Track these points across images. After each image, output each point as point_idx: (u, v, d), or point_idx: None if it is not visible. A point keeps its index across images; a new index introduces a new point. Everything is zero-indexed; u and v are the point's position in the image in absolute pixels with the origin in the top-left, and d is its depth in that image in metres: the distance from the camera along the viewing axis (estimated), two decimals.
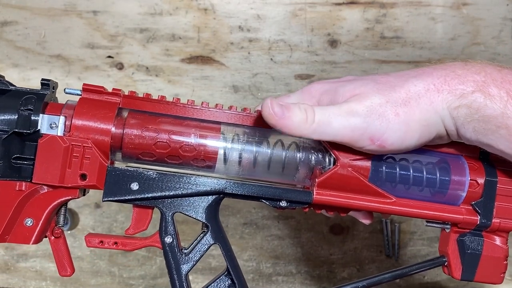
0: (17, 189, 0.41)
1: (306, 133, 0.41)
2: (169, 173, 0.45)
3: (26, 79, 0.88)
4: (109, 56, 0.91)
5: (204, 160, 0.45)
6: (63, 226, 0.45)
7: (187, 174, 0.45)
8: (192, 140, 0.45)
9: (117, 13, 0.91)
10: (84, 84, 0.44)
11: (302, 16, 0.93)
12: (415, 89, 0.42)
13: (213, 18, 0.92)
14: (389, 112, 0.41)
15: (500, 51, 0.95)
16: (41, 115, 0.42)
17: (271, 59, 0.94)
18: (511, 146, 0.41)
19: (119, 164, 0.46)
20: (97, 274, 0.98)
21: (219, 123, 0.47)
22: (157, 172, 0.44)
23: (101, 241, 0.45)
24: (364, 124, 0.40)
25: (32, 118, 0.41)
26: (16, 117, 0.41)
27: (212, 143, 0.45)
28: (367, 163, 0.45)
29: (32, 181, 0.41)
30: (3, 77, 0.43)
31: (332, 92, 0.44)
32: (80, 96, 0.44)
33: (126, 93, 0.45)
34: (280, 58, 0.94)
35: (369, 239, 0.92)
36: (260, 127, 0.48)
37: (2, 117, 0.41)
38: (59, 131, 0.42)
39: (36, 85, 0.93)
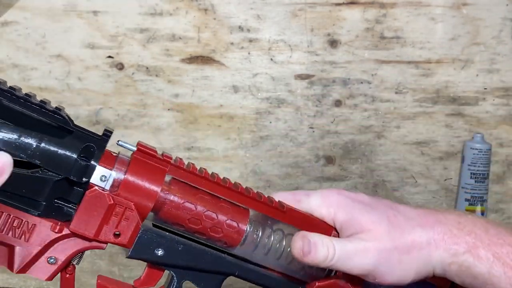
0: (53, 230, 0.42)
1: (326, 266, 0.48)
2: (194, 247, 0.47)
3: (27, 79, 0.89)
4: (109, 56, 0.92)
5: (226, 242, 0.48)
6: (77, 264, 0.45)
7: (208, 250, 0.48)
8: (223, 222, 0.47)
9: (117, 13, 0.91)
10: (139, 144, 0.45)
11: (302, 16, 0.93)
12: (419, 240, 0.48)
13: (213, 18, 0.92)
14: (394, 259, 0.47)
15: (500, 51, 0.95)
16: (97, 167, 0.42)
17: (271, 59, 0.94)
18: None
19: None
20: (97, 274, 0.98)
21: (247, 209, 0.49)
22: (183, 245, 0.46)
23: None
24: (373, 266, 0.47)
25: (89, 168, 0.42)
26: (72, 163, 0.41)
27: (240, 228, 0.48)
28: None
29: (69, 228, 0.42)
30: (62, 109, 0.42)
31: (348, 213, 0.49)
32: (133, 153, 0.44)
33: (175, 161, 0.46)
34: (280, 58, 0.94)
35: None
36: (285, 222, 0.51)
37: (59, 161, 0.41)
38: (108, 185, 0.42)
39: (36, 85, 0.94)
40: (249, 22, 0.93)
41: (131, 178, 0.43)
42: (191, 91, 0.94)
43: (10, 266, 0.42)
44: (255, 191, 0.50)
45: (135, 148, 0.44)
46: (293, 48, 0.94)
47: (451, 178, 0.99)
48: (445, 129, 0.97)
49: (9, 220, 0.41)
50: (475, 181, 0.96)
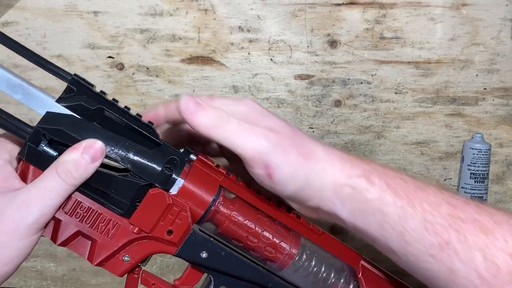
0: (133, 231, 0.46)
1: (214, 138, 0.45)
2: (235, 255, 0.50)
3: (27, 79, 0.88)
4: (110, 57, 0.92)
5: (275, 263, 0.50)
6: (144, 265, 0.49)
7: (247, 260, 0.50)
8: (277, 244, 0.50)
9: (118, 13, 0.91)
10: (200, 154, 0.48)
11: (302, 16, 0.93)
12: (318, 154, 0.46)
13: (213, 18, 0.92)
14: (292, 154, 0.45)
15: (500, 51, 0.95)
16: (178, 179, 0.46)
17: (271, 59, 0.94)
18: (382, 232, 0.47)
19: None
20: (97, 274, 0.98)
21: (299, 235, 0.52)
22: (225, 252, 0.49)
23: (154, 284, 0.49)
24: (268, 149, 0.44)
25: (171, 178, 0.46)
26: (159, 172, 0.45)
27: (291, 252, 0.50)
28: None
29: (129, 221, 0.45)
30: (153, 123, 0.47)
31: (259, 115, 0.47)
32: (194, 162, 0.48)
33: (228, 173, 0.49)
34: (280, 59, 0.94)
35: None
36: (330, 253, 0.53)
37: (148, 169, 0.45)
38: (174, 190, 0.46)
39: (36, 85, 0.94)
40: (249, 22, 0.93)
41: (189, 184, 0.46)
42: (191, 91, 0.94)
43: (90, 258, 0.46)
44: (298, 215, 0.52)
45: (194, 157, 0.48)
46: (293, 48, 0.94)
47: (451, 178, 0.99)
48: (444, 129, 0.98)
49: (97, 217, 0.45)
50: (475, 181, 0.96)
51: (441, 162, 0.99)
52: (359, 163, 0.48)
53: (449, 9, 0.94)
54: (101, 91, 0.46)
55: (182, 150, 0.48)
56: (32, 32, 0.89)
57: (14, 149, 0.45)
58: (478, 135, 0.96)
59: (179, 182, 0.46)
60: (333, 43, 0.94)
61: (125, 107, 0.46)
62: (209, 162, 0.49)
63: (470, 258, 0.44)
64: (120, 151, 0.44)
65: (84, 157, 0.42)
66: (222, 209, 0.48)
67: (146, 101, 0.94)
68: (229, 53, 0.93)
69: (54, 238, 0.45)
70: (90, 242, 0.46)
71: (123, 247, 0.46)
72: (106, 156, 0.44)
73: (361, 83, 0.95)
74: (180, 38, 0.93)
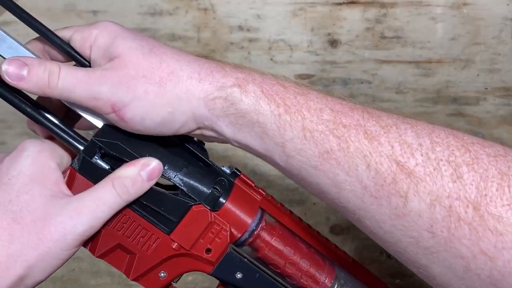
0: (173, 247, 0.45)
1: (50, 95, 0.41)
2: (267, 278, 0.49)
3: None
4: None
5: None
6: (175, 282, 0.49)
7: (277, 283, 0.49)
8: (314, 274, 0.49)
9: (117, 13, 0.91)
10: (242, 174, 0.49)
11: (302, 16, 0.93)
12: (179, 73, 0.41)
13: (213, 18, 0.92)
14: (139, 87, 0.40)
15: (501, 51, 0.95)
16: (226, 203, 0.46)
17: (271, 59, 0.94)
18: (264, 146, 0.43)
19: None
20: (97, 275, 0.98)
21: (334, 265, 0.51)
22: (259, 274, 0.48)
23: None
24: (109, 93, 0.40)
25: (219, 200, 0.46)
26: (208, 193, 0.45)
27: (325, 284, 0.49)
28: None
29: (170, 236, 0.45)
30: (204, 143, 0.47)
31: (110, 39, 0.42)
32: (235, 181, 0.48)
33: (267, 195, 0.49)
34: (280, 58, 0.94)
35: (370, 239, 0.92)
36: (361, 282, 0.53)
37: (198, 189, 0.45)
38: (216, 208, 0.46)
39: None
40: (249, 22, 0.93)
41: (231, 204, 0.46)
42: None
43: (127, 272, 0.45)
44: (329, 240, 0.52)
45: (228, 170, 0.48)
46: (293, 48, 0.94)
47: None
48: None
49: (138, 230, 0.44)
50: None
51: None
52: (233, 71, 0.43)
53: (450, 8, 0.93)
54: None
55: (229, 172, 0.48)
56: (32, 32, 0.88)
57: (63, 155, 0.44)
58: (480, 135, 0.95)
59: (222, 201, 0.46)
60: (333, 43, 0.94)
61: None
62: (250, 182, 0.49)
63: (353, 167, 0.39)
64: (173, 170, 0.45)
65: (141, 174, 0.42)
66: (263, 234, 0.48)
67: None
68: (229, 53, 0.93)
69: (92, 249, 0.44)
70: (128, 256, 0.45)
71: (161, 263, 0.45)
72: (161, 175, 0.44)
73: (362, 82, 0.95)
74: (180, 38, 0.92)
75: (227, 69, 0.44)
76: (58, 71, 0.40)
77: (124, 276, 0.46)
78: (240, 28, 0.93)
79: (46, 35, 0.47)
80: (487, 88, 0.97)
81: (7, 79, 0.40)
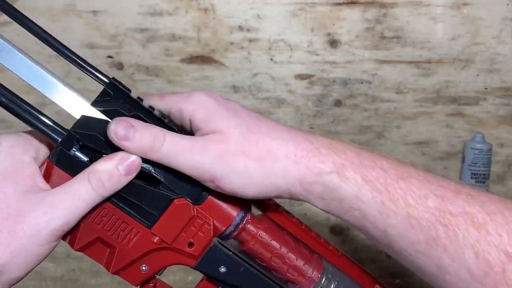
0: (154, 241, 0.44)
1: (153, 159, 0.43)
2: (252, 271, 0.48)
3: None
4: (109, 56, 0.91)
5: (296, 285, 0.49)
6: (159, 275, 0.48)
7: (262, 276, 0.49)
8: (300, 267, 0.49)
9: (117, 13, 0.91)
10: None
11: (302, 16, 0.93)
12: (276, 152, 0.43)
13: (213, 18, 0.92)
14: (239, 162, 0.42)
15: (500, 51, 0.95)
16: (209, 196, 0.45)
17: (271, 59, 0.94)
18: (363, 226, 0.44)
19: None
20: (97, 274, 0.98)
21: (321, 259, 0.51)
22: (244, 268, 0.48)
23: None
24: (209, 165, 0.42)
25: (202, 193, 0.45)
26: (191, 186, 0.44)
27: (313, 276, 0.49)
28: None
29: (151, 230, 0.44)
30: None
31: (208, 114, 0.44)
32: None
33: None
34: (280, 58, 0.94)
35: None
36: (349, 276, 0.52)
37: (180, 182, 0.44)
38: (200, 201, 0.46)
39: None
40: (249, 22, 0.92)
41: (216, 197, 0.45)
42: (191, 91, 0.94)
43: (107, 265, 0.44)
44: (318, 235, 0.51)
45: None
46: (293, 48, 0.94)
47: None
48: (445, 129, 0.97)
49: (118, 223, 0.43)
50: (476, 181, 0.96)
51: (442, 162, 0.98)
52: (329, 155, 0.43)
53: (450, 8, 0.93)
54: (138, 97, 0.45)
55: None
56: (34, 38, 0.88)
57: (40, 147, 0.43)
58: (479, 135, 0.95)
59: (205, 194, 0.45)
60: (333, 43, 0.94)
61: (161, 115, 0.45)
62: None
63: (460, 254, 0.40)
64: (154, 162, 0.43)
65: (119, 168, 0.41)
66: (249, 227, 0.47)
67: None
68: (229, 53, 0.93)
69: (71, 242, 0.43)
70: (108, 249, 0.44)
71: (142, 256, 0.45)
72: (141, 167, 0.43)
73: (362, 82, 0.95)
74: (180, 38, 0.92)
75: (322, 151, 0.43)
76: (163, 136, 0.42)
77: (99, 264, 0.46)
78: (240, 28, 0.93)
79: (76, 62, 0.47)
80: (487, 88, 0.97)
81: (114, 138, 0.41)
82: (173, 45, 0.92)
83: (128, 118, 0.43)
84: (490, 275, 0.39)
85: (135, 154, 0.42)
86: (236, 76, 0.94)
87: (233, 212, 0.46)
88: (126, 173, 0.42)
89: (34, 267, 0.41)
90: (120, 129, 0.41)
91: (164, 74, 0.93)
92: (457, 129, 0.97)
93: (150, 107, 0.45)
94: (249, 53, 0.93)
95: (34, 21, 0.46)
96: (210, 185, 0.43)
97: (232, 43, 0.93)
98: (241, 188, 0.43)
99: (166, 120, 0.45)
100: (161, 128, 0.43)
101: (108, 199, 0.43)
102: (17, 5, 0.44)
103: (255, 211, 0.48)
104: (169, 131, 0.43)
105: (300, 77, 0.95)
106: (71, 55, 0.47)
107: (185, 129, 0.45)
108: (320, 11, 0.93)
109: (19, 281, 0.41)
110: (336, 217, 0.45)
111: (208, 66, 0.93)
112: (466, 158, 0.96)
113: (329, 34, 0.93)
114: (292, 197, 0.45)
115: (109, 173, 0.41)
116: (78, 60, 0.47)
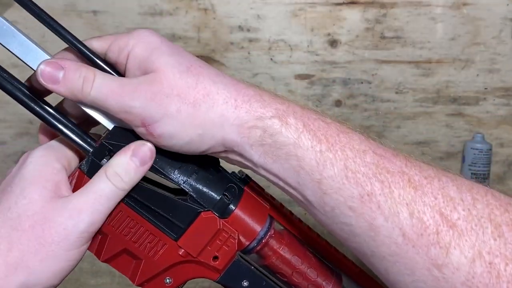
0: (179, 253, 0.44)
1: (81, 101, 0.41)
2: (274, 286, 0.48)
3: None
4: None
5: None
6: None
7: None
8: (318, 284, 0.48)
9: (117, 13, 0.91)
10: (252, 181, 0.48)
11: (302, 16, 0.93)
12: (214, 97, 0.41)
13: (213, 18, 0.92)
14: (172, 106, 0.40)
15: (500, 51, 0.95)
16: (235, 210, 0.45)
17: (271, 59, 0.94)
18: (297, 179, 0.41)
19: None
20: (97, 274, 0.98)
21: (341, 275, 0.50)
22: (265, 282, 0.47)
23: None
24: (140, 108, 0.40)
25: (229, 207, 0.45)
26: (217, 199, 0.44)
27: None
28: None
29: (177, 243, 0.44)
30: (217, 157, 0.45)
31: (148, 51, 0.42)
32: (245, 187, 0.47)
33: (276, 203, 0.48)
34: (280, 58, 0.94)
35: None
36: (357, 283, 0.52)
37: (207, 195, 0.44)
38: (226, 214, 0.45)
39: None
40: (249, 22, 0.93)
41: (241, 211, 0.45)
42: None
43: (133, 277, 0.44)
44: (337, 250, 0.51)
45: (238, 175, 0.47)
46: (293, 48, 0.94)
47: None
48: (445, 129, 0.97)
49: (146, 235, 0.43)
50: (476, 181, 0.96)
51: (442, 162, 0.98)
52: (272, 101, 0.42)
53: (450, 8, 0.93)
54: None
55: (239, 178, 0.47)
56: (31, 32, 0.88)
57: (72, 157, 0.43)
58: (479, 135, 0.95)
59: (231, 208, 0.45)
60: (333, 43, 0.94)
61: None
62: (259, 189, 0.48)
63: (395, 213, 0.38)
64: (183, 175, 0.44)
65: (133, 160, 0.41)
66: (271, 242, 0.47)
67: None
68: (229, 53, 0.93)
69: (98, 253, 0.43)
70: (134, 261, 0.44)
71: (167, 269, 0.45)
72: (169, 177, 0.43)
73: (362, 82, 0.95)
74: (180, 38, 0.92)
75: (265, 98, 0.42)
76: (93, 79, 0.40)
77: (124, 276, 0.46)
78: (240, 28, 0.93)
79: (72, 43, 0.46)
80: (486, 88, 0.97)
81: (41, 80, 0.39)
82: None
83: (60, 59, 0.41)
84: (423, 236, 0.38)
85: (66, 97, 0.41)
86: (236, 76, 0.94)
87: (257, 227, 0.46)
88: (142, 163, 0.41)
89: (68, 273, 0.41)
90: (49, 69, 0.40)
91: None
92: (457, 129, 0.97)
93: None
94: (249, 53, 0.93)
95: (34, 20, 0.46)
96: (141, 130, 0.41)
97: (232, 43, 0.93)
98: (171, 135, 0.40)
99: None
100: (92, 68, 0.41)
101: (137, 210, 0.43)
102: (17, 5, 0.44)
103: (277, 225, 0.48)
104: (101, 72, 0.41)
105: (300, 77, 0.95)
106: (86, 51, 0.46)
107: (118, 67, 0.43)
108: (320, 11, 0.93)
109: None
110: (268, 173, 0.43)
111: None
112: (466, 158, 0.96)
113: (329, 34, 0.93)
114: (226, 150, 0.42)
115: (125, 166, 0.41)
116: (95, 59, 0.46)
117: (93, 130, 0.48)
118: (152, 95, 0.40)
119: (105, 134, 0.43)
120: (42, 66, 0.40)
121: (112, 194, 0.41)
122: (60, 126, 0.42)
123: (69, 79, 0.40)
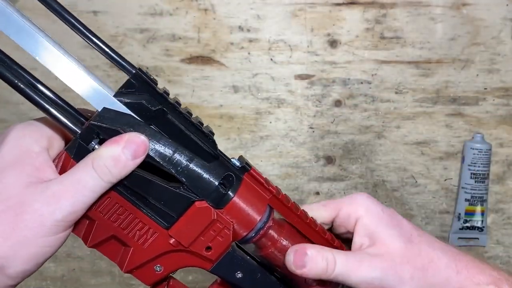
0: (170, 242, 0.43)
1: (327, 279, 0.46)
2: (269, 278, 0.48)
3: None
4: None
5: None
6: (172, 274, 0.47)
7: (279, 284, 0.48)
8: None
9: (117, 13, 0.91)
10: (252, 169, 0.46)
11: (302, 16, 0.93)
12: (438, 262, 0.46)
13: (213, 18, 0.92)
14: (406, 273, 0.45)
15: (500, 51, 0.95)
16: (232, 200, 0.43)
17: (271, 59, 0.94)
18: None
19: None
20: (97, 274, 0.98)
21: None
22: (260, 274, 0.47)
23: None
24: (379, 280, 0.45)
25: (225, 197, 0.43)
26: (213, 189, 0.43)
27: (331, 286, 0.50)
28: None
29: (168, 232, 0.43)
30: (213, 134, 0.44)
31: (373, 223, 0.48)
32: (244, 176, 0.45)
33: (277, 193, 0.47)
34: (280, 58, 0.94)
35: None
36: None
37: (202, 184, 0.42)
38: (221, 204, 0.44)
39: None
40: (249, 22, 0.93)
41: (238, 201, 0.44)
42: (191, 91, 0.94)
43: (121, 264, 0.43)
44: (333, 237, 0.51)
45: (237, 163, 0.46)
46: (293, 48, 0.94)
47: (451, 178, 0.99)
48: (445, 129, 0.97)
49: (135, 223, 0.42)
50: (475, 181, 0.96)
51: (442, 162, 0.98)
52: (485, 268, 0.47)
53: (450, 8, 0.94)
54: (164, 91, 0.42)
55: (239, 165, 0.45)
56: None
57: (54, 137, 0.41)
58: (479, 135, 0.95)
59: (227, 198, 0.43)
60: (333, 43, 0.94)
61: (187, 111, 0.43)
62: (259, 178, 0.46)
63: None
64: (177, 162, 0.41)
65: (124, 152, 0.38)
66: (269, 233, 0.46)
67: None
68: (229, 53, 0.93)
69: (85, 238, 0.42)
70: (123, 247, 0.43)
71: (157, 257, 0.43)
72: (161, 165, 0.41)
73: (361, 83, 0.95)
74: (180, 38, 0.92)
75: (477, 264, 0.47)
76: (334, 260, 0.45)
77: (125, 275, 0.45)
78: (240, 28, 0.93)
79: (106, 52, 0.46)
80: (486, 88, 0.97)
81: (292, 267, 0.45)
82: (173, 45, 0.93)
83: (302, 245, 0.46)
84: None
85: (314, 278, 0.46)
86: (236, 76, 0.94)
87: (256, 217, 0.44)
88: (133, 157, 0.39)
89: (46, 259, 0.39)
90: (297, 259, 0.45)
91: (164, 74, 0.93)
92: (456, 129, 0.98)
93: (177, 102, 0.43)
94: (249, 53, 0.94)
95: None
96: None
97: (232, 43, 0.93)
98: None
99: (197, 122, 0.43)
100: (331, 249, 0.46)
101: (127, 197, 0.41)
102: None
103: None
104: (337, 251, 0.46)
105: (300, 77, 0.95)
106: (99, 43, 0.45)
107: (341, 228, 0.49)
108: (320, 11, 0.93)
109: (31, 274, 0.39)
110: None
111: (208, 66, 0.94)
112: (465, 158, 0.96)
113: (329, 34, 0.94)
114: None
115: (115, 158, 0.38)
116: (105, 48, 0.45)
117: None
118: (388, 266, 0.45)
119: (94, 115, 0.41)
120: (290, 256, 0.45)
121: (96, 186, 0.38)
122: (44, 103, 0.39)
123: (314, 264, 0.45)
